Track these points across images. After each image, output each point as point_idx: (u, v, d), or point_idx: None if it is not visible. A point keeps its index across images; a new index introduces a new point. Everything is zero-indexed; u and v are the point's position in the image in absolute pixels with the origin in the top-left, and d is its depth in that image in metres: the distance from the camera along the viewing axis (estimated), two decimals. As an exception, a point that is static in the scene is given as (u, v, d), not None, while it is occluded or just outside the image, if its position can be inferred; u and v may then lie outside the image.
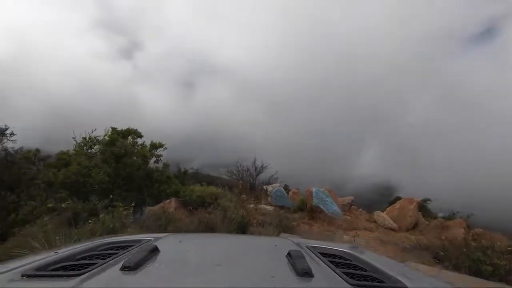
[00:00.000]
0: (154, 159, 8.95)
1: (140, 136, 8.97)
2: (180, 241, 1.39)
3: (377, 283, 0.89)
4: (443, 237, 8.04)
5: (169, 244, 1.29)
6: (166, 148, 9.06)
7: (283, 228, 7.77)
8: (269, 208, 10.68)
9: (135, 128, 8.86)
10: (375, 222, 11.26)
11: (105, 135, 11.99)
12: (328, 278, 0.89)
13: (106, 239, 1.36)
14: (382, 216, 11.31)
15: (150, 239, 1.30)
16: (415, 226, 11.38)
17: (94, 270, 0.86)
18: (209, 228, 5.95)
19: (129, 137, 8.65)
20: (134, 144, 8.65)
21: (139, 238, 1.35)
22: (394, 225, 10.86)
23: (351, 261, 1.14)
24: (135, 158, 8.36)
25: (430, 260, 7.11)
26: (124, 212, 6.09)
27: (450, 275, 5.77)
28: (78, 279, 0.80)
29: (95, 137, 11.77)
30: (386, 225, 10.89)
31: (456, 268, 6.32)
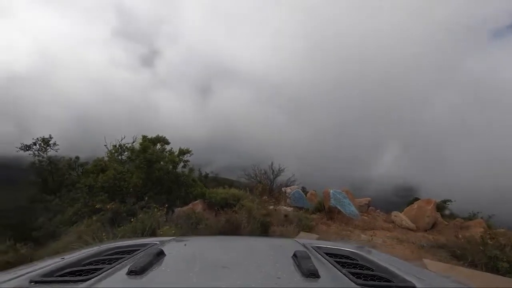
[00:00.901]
0: (182, 164, 9.68)
1: (168, 142, 9.73)
2: (185, 245, 1.41)
3: (384, 283, 0.89)
4: (460, 236, 8.23)
5: (174, 247, 1.30)
6: (192, 153, 9.79)
7: (302, 227, 8.24)
8: (288, 209, 11.13)
9: (163, 136, 9.64)
10: (393, 222, 11.46)
11: (133, 142, 12.95)
12: (334, 279, 0.89)
13: (112, 243, 1.38)
14: (400, 217, 11.51)
15: (156, 243, 1.32)
16: (433, 227, 11.48)
17: (100, 275, 0.87)
18: (234, 227, 6.51)
19: (158, 144, 9.41)
20: (163, 150, 9.41)
21: (144, 242, 1.36)
22: (412, 225, 11.03)
23: (358, 261, 1.15)
24: (163, 163, 9.11)
25: (447, 257, 7.34)
26: (158, 213, 6.80)
27: (466, 272, 6.04)
28: (84, 284, 0.82)
29: (124, 145, 12.75)
30: (404, 225, 11.08)
31: (473, 265, 6.54)
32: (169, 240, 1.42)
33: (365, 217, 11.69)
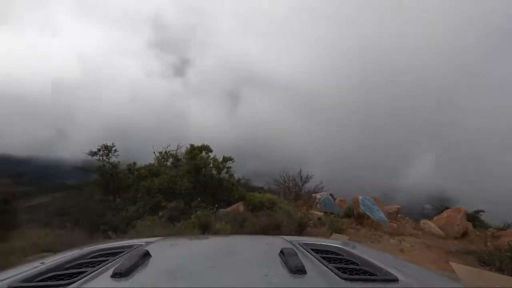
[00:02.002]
0: (225, 170, 10.90)
1: (210, 150, 10.99)
2: (171, 245, 1.42)
3: (368, 276, 0.92)
4: (488, 243, 8.59)
5: (160, 248, 1.30)
6: (234, 161, 10.98)
7: (334, 229, 9.03)
8: (319, 213, 11.91)
9: (207, 144, 10.92)
10: (422, 229, 11.83)
11: (177, 149, 14.45)
12: (320, 274, 0.91)
13: (96, 246, 1.35)
14: (429, 224, 11.86)
15: (141, 244, 1.30)
16: (464, 235, 11.69)
17: (83, 279, 0.85)
18: (275, 226, 7.49)
19: (203, 152, 10.69)
20: (208, 157, 10.67)
21: (129, 244, 1.34)
22: (441, 233, 11.35)
23: (343, 256, 1.17)
24: (208, 169, 10.36)
25: (474, 263, 7.76)
26: (209, 212, 7.98)
27: (492, 276, 6.55)
28: None
29: (169, 152, 14.28)
30: (433, 232, 11.42)
31: (500, 270, 6.98)
32: (155, 241, 1.41)
33: (393, 224, 12.16)
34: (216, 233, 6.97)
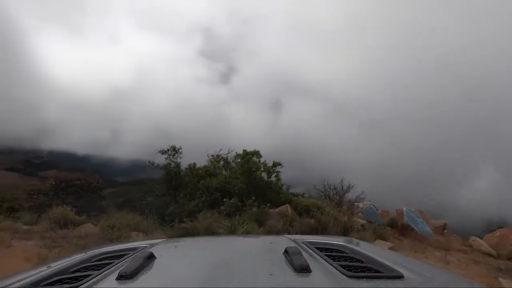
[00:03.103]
0: (274, 174, 11.90)
1: (260, 156, 12.07)
2: (175, 246, 1.42)
3: (373, 273, 0.91)
4: (543, 264, 8.36)
5: (164, 250, 1.31)
6: (283, 166, 11.94)
7: (377, 236, 9.45)
8: (361, 221, 12.28)
9: (258, 150, 12.03)
10: (470, 246, 11.56)
11: (227, 153, 15.80)
12: (325, 272, 0.91)
13: (100, 249, 1.37)
14: (479, 241, 11.56)
15: (145, 246, 1.31)
16: (519, 257, 11.19)
17: (89, 282, 0.85)
18: (322, 227, 8.23)
19: (254, 156, 11.81)
20: (259, 162, 11.77)
21: (134, 246, 1.35)
22: (492, 252, 11.03)
23: (348, 253, 1.16)
24: (258, 172, 11.44)
25: (527, 282, 7.71)
26: (263, 209, 8.99)
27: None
28: None
29: (220, 155, 15.69)
30: (483, 250, 11.13)
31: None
32: (159, 243, 1.41)
33: (439, 238, 12.03)
34: (270, 228, 7.93)
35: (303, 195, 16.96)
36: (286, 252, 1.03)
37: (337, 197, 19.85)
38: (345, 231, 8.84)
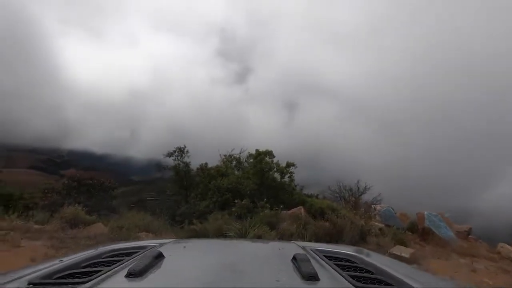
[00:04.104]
0: (288, 174, 11.55)
1: (273, 156, 11.74)
2: (184, 247, 1.44)
3: (383, 286, 0.89)
4: None
5: (173, 250, 1.32)
6: (296, 167, 11.57)
7: (397, 241, 8.92)
8: (379, 225, 11.72)
9: (270, 150, 11.70)
10: (498, 253, 10.79)
11: (240, 153, 15.57)
12: (334, 281, 0.90)
13: (111, 246, 1.39)
14: (508, 248, 10.77)
15: (155, 245, 1.32)
16: (553, 266, 10.35)
17: (99, 278, 0.88)
18: (338, 231, 7.81)
19: (267, 156, 11.49)
20: (271, 162, 11.45)
21: (143, 245, 1.37)
22: (523, 260, 10.23)
23: (357, 263, 1.15)
24: (271, 173, 11.11)
25: None
26: (274, 212, 8.66)
27: None
28: (83, 286, 0.83)
29: (232, 155, 15.47)
30: (512, 258, 10.35)
31: None
32: (168, 243, 1.43)
33: (463, 244, 11.31)
34: (283, 231, 7.60)
35: (317, 196, 16.50)
36: (294, 259, 1.02)
37: (353, 198, 19.28)
38: (362, 236, 8.38)
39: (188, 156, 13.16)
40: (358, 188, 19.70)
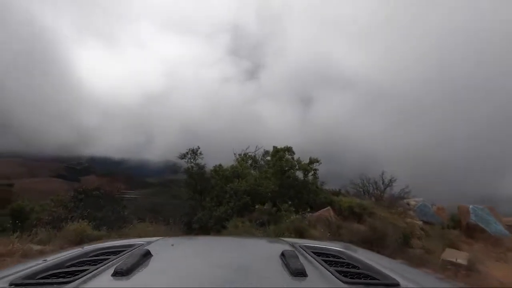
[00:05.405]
0: (312, 172, 10.45)
1: (293, 152, 10.66)
2: (172, 245, 1.41)
3: (370, 281, 0.90)
4: None
5: (161, 248, 1.29)
6: (321, 163, 10.44)
7: (444, 243, 7.71)
8: (418, 222, 10.49)
9: (290, 146, 10.62)
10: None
11: (255, 151, 14.58)
12: (321, 277, 0.90)
13: (97, 244, 1.36)
14: None
15: (143, 243, 1.31)
16: None
17: (84, 277, 0.85)
18: (378, 237, 6.69)
19: (286, 153, 10.42)
20: (292, 159, 10.38)
21: (130, 243, 1.35)
22: None
23: (345, 259, 1.16)
24: (292, 171, 10.05)
25: None
26: (299, 216, 7.61)
27: None
28: (68, 286, 0.80)
29: (248, 153, 14.50)
30: None
31: None
32: (156, 241, 1.40)
33: (517, 240, 9.93)
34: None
35: (339, 192, 15.34)
36: (283, 255, 1.02)
37: (379, 192, 17.96)
38: (405, 240, 7.23)
39: (202, 158, 12.26)
40: (383, 181, 18.38)
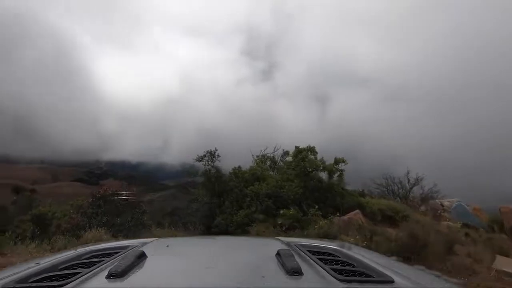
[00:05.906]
0: (337, 173, 9.82)
1: (316, 152, 10.05)
2: (167, 246, 1.40)
3: (364, 278, 0.90)
4: None
5: (156, 249, 1.28)
6: (347, 163, 9.78)
7: (493, 249, 6.88)
8: (453, 225, 9.64)
9: (313, 146, 10.02)
10: None
11: (273, 151, 14.05)
12: (317, 275, 0.90)
13: (90, 246, 1.35)
14: None
15: (137, 245, 1.29)
16: None
17: (78, 280, 0.84)
18: (419, 244, 6.01)
19: (309, 154, 9.84)
20: (316, 159, 9.78)
21: (125, 244, 1.33)
22: None
23: (340, 257, 1.15)
24: (316, 172, 9.45)
25: None
26: (327, 221, 7.02)
27: None
28: None
29: (266, 154, 14.01)
30: None
31: None
32: (151, 242, 1.39)
33: None
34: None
35: (363, 192, 14.56)
36: (278, 254, 1.01)
37: (405, 192, 16.97)
38: (447, 248, 6.48)
39: (219, 160, 11.89)
40: (409, 180, 17.36)
